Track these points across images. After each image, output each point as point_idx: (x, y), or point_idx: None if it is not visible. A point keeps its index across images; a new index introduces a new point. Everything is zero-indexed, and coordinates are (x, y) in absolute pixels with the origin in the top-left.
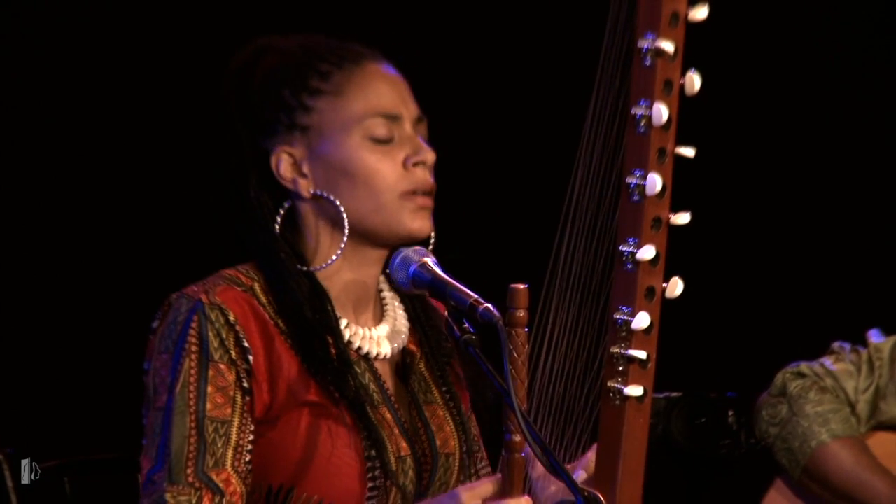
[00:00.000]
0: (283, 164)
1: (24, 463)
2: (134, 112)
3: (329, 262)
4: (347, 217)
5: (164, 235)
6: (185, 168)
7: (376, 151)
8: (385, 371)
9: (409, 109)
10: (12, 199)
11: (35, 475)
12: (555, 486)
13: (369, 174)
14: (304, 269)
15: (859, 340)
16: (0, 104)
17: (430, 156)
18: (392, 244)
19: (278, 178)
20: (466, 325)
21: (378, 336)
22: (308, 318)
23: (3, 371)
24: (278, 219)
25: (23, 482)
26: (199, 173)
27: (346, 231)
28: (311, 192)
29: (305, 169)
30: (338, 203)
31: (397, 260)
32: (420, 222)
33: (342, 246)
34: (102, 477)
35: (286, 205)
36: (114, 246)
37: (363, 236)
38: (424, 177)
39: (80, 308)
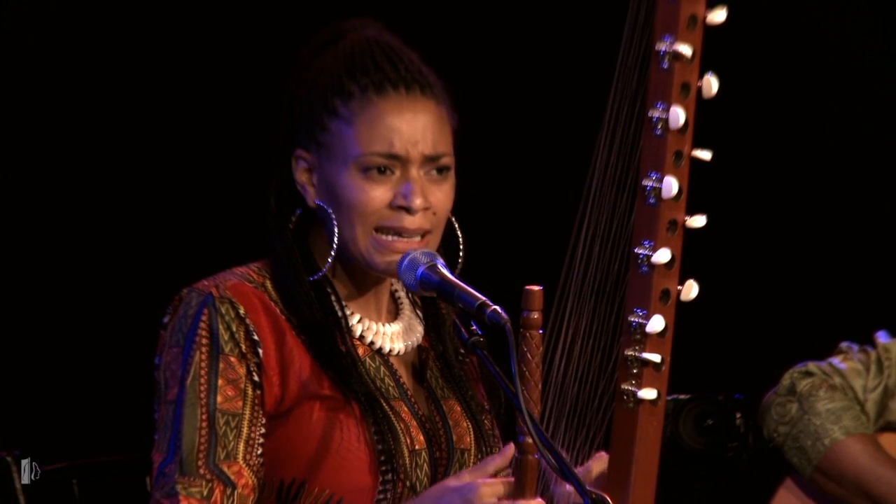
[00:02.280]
0: (299, 170)
1: (25, 463)
2: (146, 109)
3: (322, 270)
4: (338, 235)
5: (172, 239)
6: (196, 167)
7: (366, 186)
8: (401, 367)
9: (418, 150)
10: (26, 201)
11: (35, 475)
12: (568, 487)
13: (353, 205)
14: (310, 277)
15: (867, 342)
16: (25, 102)
17: (417, 202)
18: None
19: (294, 179)
20: (474, 328)
21: (392, 332)
22: (310, 316)
23: (12, 373)
24: (292, 220)
25: (23, 482)
26: (216, 170)
27: (335, 246)
28: (315, 202)
29: (315, 179)
30: (334, 219)
31: (405, 262)
32: (389, 258)
33: (330, 259)
34: (110, 479)
35: (298, 211)
36: (121, 248)
37: (348, 255)
38: (408, 221)
39: (88, 310)
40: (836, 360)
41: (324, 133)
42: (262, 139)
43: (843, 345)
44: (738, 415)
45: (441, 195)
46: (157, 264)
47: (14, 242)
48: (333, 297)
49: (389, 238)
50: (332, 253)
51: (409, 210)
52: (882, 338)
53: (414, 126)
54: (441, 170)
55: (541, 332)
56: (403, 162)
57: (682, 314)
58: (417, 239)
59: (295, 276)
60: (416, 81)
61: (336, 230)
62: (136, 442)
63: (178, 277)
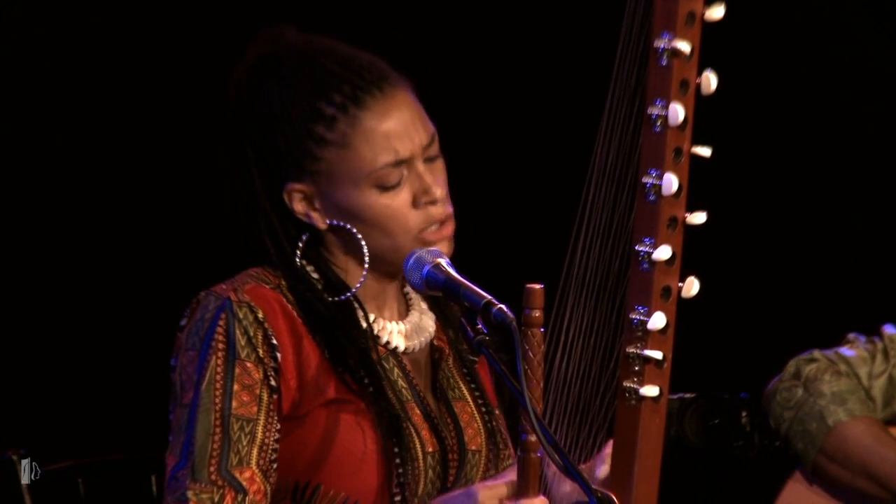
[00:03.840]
0: (295, 201)
1: (25, 463)
2: (154, 111)
3: (354, 289)
4: (369, 250)
5: (180, 239)
6: (208, 169)
7: (386, 198)
8: (413, 367)
9: (416, 142)
10: (30, 200)
11: (36, 475)
12: (569, 486)
13: (382, 220)
14: (333, 296)
15: (874, 335)
16: (30, 107)
17: (438, 192)
18: None
19: (292, 211)
20: (480, 326)
21: (402, 330)
22: (337, 335)
23: (18, 371)
24: (299, 250)
25: (23, 482)
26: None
27: (367, 262)
28: (327, 223)
29: (318, 204)
30: (358, 235)
31: (411, 261)
32: (443, 247)
33: (363, 276)
34: (116, 478)
35: (304, 237)
36: (127, 249)
37: (386, 263)
38: (437, 211)
39: (95, 309)
40: (843, 349)
41: (317, 162)
42: (235, 189)
43: (851, 335)
44: (744, 413)
45: (442, 176)
46: (163, 265)
47: (19, 242)
48: (357, 305)
49: (433, 229)
50: (365, 269)
51: (434, 202)
52: (889, 329)
53: (404, 122)
54: (433, 155)
55: (542, 330)
56: (411, 162)
57: (687, 313)
58: (449, 223)
59: (317, 301)
60: (382, 78)
61: (364, 245)
62: (142, 441)
63: (183, 277)
